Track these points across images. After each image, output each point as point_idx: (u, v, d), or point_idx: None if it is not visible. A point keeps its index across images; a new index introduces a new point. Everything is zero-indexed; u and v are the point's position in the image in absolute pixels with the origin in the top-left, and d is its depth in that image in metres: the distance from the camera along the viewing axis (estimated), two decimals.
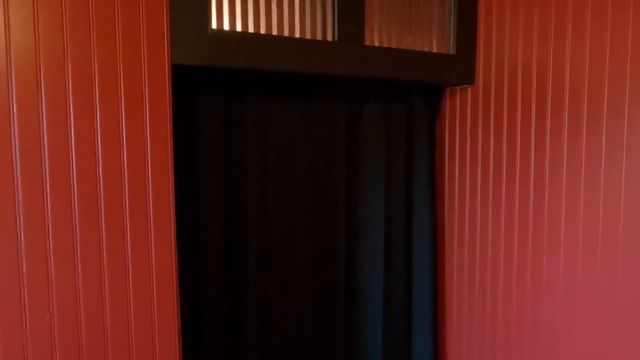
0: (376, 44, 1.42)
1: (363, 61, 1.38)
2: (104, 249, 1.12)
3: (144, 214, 1.15)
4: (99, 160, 1.09)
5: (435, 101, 1.76)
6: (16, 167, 1.03)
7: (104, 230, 1.12)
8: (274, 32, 1.31)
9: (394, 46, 1.48)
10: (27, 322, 1.07)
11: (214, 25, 1.23)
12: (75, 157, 1.07)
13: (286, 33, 1.32)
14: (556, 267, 1.41)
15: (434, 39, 1.55)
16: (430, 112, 1.74)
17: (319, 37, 1.35)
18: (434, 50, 1.55)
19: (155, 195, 1.17)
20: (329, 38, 1.35)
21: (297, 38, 1.33)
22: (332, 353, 1.69)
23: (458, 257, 1.72)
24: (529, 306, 1.48)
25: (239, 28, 1.27)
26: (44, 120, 1.04)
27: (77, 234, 1.09)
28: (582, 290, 1.35)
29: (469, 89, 1.63)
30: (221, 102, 1.42)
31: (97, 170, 1.09)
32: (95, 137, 1.09)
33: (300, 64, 1.31)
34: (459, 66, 1.56)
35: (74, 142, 1.07)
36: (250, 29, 1.28)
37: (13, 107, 1.02)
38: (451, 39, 1.54)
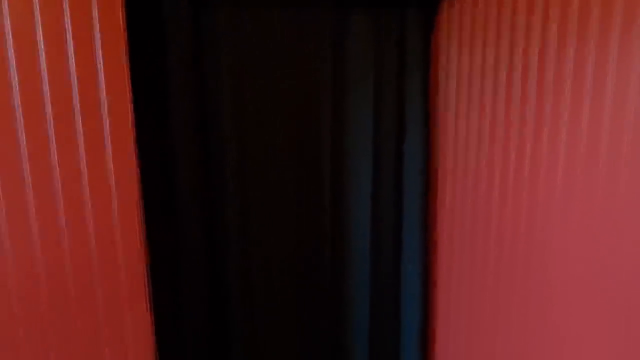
0: None
1: None
2: (55, 152, 1.06)
3: (98, 117, 1.08)
4: (41, 58, 1.01)
5: (431, 10, 1.60)
6: None
7: (53, 134, 1.05)
8: None
9: None
10: None
11: None
12: (14, 55, 0.99)
13: None
14: (554, 178, 1.30)
15: None
16: (425, 23, 1.59)
17: None
18: None
19: (112, 98, 1.09)
20: None
21: None
22: (319, 278, 1.65)
23: (451, 177, 1.62)
24: (524, 221, 1.39)
25: None
26: None
27: (23, 136, 1.02)
28: (580, 200, 1.24)
29: None
30: (191, 11, 1.31)
31: (40, 69, 1.01)
32: (36, 32, 1.00)
33: None
34: None
35: (12, 39, 0.98)
36: None
37: None
38: None
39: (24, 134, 1.02)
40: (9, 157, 1.00)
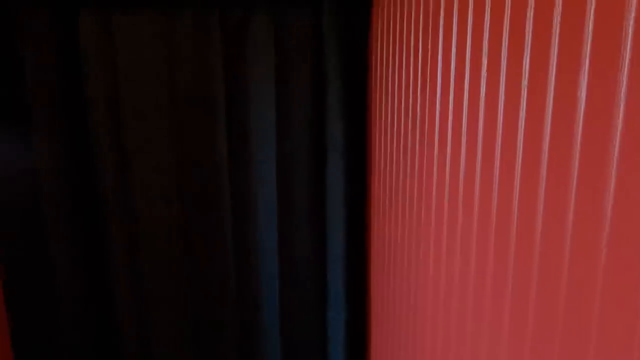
0: None
1: None
2: None
3: None
4: None
5: (352, 9, 1.35)
6: None
7: None
8: None
9: None
10: None
11: None
12: None
13: None
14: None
15: None
16: (343, 23, 1.34)
17: None
18: None
19: None
20: None
21: None
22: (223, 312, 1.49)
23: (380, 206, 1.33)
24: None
25: None
26: None
27: None
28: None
29: None
30: (54, 18, 1.21)
31: None
32: None
33: None
34: None
35: None
36: None
37: None
38: None
39: None
40: None
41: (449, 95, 0.82)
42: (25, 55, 1.20)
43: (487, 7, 0.65)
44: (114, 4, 1.25)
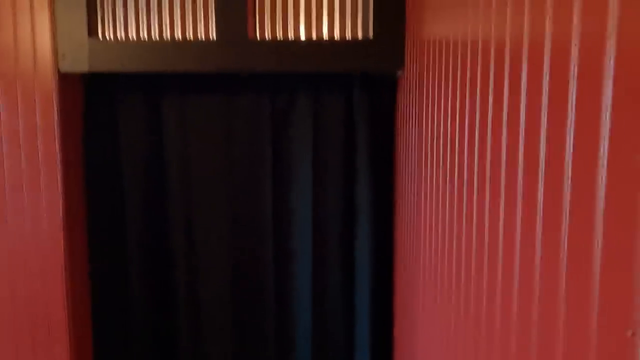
0: (267, 38, 1.40)
1: (247, 57, 1.37)
2: None
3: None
4: None
5: (379, 91, 1.60)
6: None
7: None
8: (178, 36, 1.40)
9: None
10: None
11: (101, 36, 1.38)
12: None
13: (179, 36, 1.40)
14: None
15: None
16: (371, 104, 1.59)
17: (203, 36, 1.40)
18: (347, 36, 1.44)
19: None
20: (213, 36, 1.38)
21: (172, 40, 1.40)
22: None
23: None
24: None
25: (133, 36, 1.40)
26: None
27: None
28: None
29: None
30: (143, 106, 1.56)
31: None
32: None
33: (181, 64, 1.38)
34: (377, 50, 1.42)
35: None
36: (142, 36, 1.40)
37: None
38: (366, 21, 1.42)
39: None
40: None
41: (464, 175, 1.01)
42: (121, 129, 1.56)
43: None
44: (189, 90, 1.57)
